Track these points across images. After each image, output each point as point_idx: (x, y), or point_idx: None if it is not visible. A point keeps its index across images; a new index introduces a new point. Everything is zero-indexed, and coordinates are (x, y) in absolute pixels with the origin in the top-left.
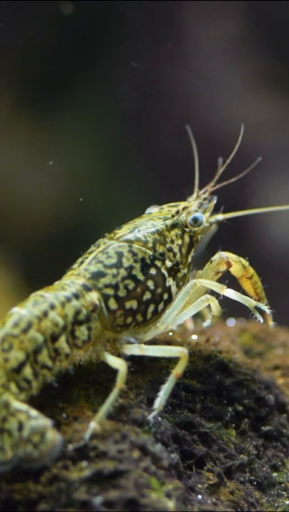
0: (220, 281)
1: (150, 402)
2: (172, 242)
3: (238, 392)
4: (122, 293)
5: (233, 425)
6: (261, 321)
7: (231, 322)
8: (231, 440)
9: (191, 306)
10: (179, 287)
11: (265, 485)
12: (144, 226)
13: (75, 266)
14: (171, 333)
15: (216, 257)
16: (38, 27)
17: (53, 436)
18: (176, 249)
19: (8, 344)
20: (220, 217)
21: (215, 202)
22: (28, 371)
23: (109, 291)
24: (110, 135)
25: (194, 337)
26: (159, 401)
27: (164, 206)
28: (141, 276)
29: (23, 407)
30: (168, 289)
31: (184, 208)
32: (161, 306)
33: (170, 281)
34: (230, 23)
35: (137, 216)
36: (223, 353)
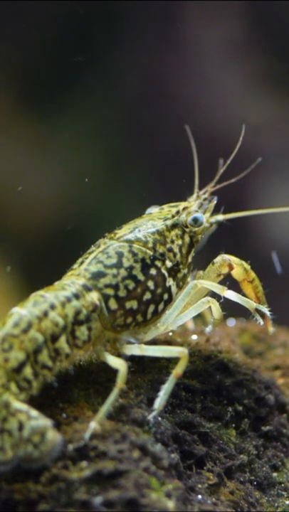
0: (221, 283)
1: (150, 402)
2: (172, 242)
3: (238, 392)
4: (122, 293)
5: (233, 425)
6: (261, 323)
7: (231, 322)
8: (231, 440)
9: (192, 308)
10: (179, 287)
11: (265, 485)
12: (144, 226)
13: (75, 266)
14: (171, 334)
15: (218, 259)
16: (38, 27)
17: (53, 436)
18: (176, 250)
19: (8, 344)
20: (220, 217)
21: (215, 202)
22: (28, 371)
23: (110, 292)
24: (111, 135)
25: (194, 337)
26: (159, 401)
27: (164, 206)
28: (141, 277)
29: (24, 407)
30: (168, 289)
31: (184, 208)
32: (161, 306)
33: (170, 282)
34: (230, 23)
35: (137, 216)
36: (223, 353)
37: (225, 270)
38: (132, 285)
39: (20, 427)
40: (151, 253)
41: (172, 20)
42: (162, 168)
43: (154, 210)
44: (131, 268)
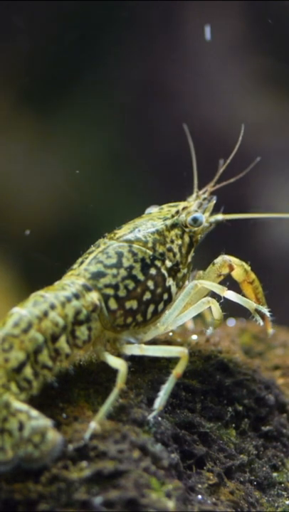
0: (221, 284)
1: (150, 402)
2: (172, 242)
3: (238, 392)
4: (122, 293)
5: (233, 425)
6: (261, 323)
7: (231, 322)
8: (231, 440)
9: (192, 308)
10: (178, 287)
11: (265, 485)
12: (144, 226)
13: (75, 266)
14: (171, 333)
15: (219, 259)
16: (38, 27)
17: (54, 436)
18: (176, 249)
19: (8, 344)
20: (220, 217)
21: (214, 202)
22: (28, 371)
23: (110, 291)
24: (110, 135)
25: (194, 337)
26: (159, 401)
27: (164, 206)
28: (141, 277)
29: (24, 407)
30: (168, 289)
31: (184, 208)
32: (161, 306)
33: (170, 282)
34: (231, 23)
35: (137, 216)
36: (223, 353)
37: (225, 271)
38: (131, 285)
39: (21, 427)
40: (150, 253)
41: (172, 20)
42: (162, 168)
43: (153, 209)
44: (131, 268)
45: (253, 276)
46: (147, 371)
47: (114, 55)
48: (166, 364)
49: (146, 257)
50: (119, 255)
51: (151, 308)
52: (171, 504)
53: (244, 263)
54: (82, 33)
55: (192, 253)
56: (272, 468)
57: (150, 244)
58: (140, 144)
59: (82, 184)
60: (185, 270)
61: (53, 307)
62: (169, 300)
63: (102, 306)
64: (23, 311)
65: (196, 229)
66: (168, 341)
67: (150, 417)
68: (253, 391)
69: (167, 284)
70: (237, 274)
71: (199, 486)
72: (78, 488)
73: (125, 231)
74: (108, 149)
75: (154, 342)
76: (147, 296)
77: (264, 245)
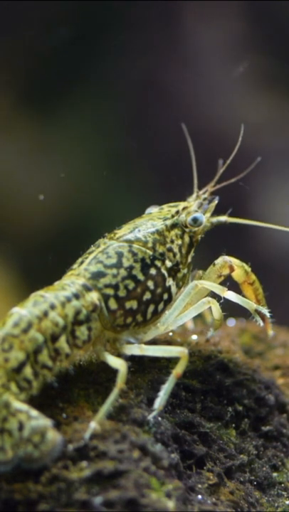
0: (221, 285)
1: (150, 402)
2: (172, 242)
3: (238, 392)
4: (122, 293)
5: (233, 425)
6: (261, 324)
7: (231, 322)
8: (231, 440)
9: (192, 308)
10: (178, 287)
11: (265, 485)
12: (144, 226)
13: (75, 266)
14: (171, 333)
15: (219, 260)
16: (38, 27)
17: (54, 436)
18: (176, 250)
19: (8, 344)
20: (223, 218)
21: (216, 202)
22: (28, 371)
23: (110, 291)
24: (110, 135)
25: (194, 337)
26: (159, 401)
27: (164, 206)
28: (141, 277)
29: (24, 407)
30: (168, 289)
31: (184, 208)
32: (161, 306)
33: (170, 282)
34: (230, 23)
35: (137, 216)
36: (223, 353)
37: (226, 271)
38: (131, 285)
39: (21, 426)
40: (150, 253)
41: (172, 20)
42: (162, 168)
43: (153, 209)
44: (131, 268)
45: (253, 277)
46: (147, 371)
47: (114, 55)
48: (166, 364)
49: (147, 257)
50: (119, 255)
51: (151, 308)
52: (171, 504)
53: (244, 264)
54: (82, 33)
55: (192, 253)
56: (272, 468)
57: (150, 245)
58: (140, 143)
59: (82, 184)
60: (185, 270)
61: (53, 307)
62: (169, 300)
63: (102, 306)
64: (23, 311)
65: (196, 229)
66: (168, 341)
67: (150, 417)
68: (253, 391)
69: (167, 284)
70: (237, 275)
71: (199, 486)
72: (78, 488)
73: (125, 231)
74: (108, 149)
75: (154, 342)
76: (147, 296)
77: (264, 246)
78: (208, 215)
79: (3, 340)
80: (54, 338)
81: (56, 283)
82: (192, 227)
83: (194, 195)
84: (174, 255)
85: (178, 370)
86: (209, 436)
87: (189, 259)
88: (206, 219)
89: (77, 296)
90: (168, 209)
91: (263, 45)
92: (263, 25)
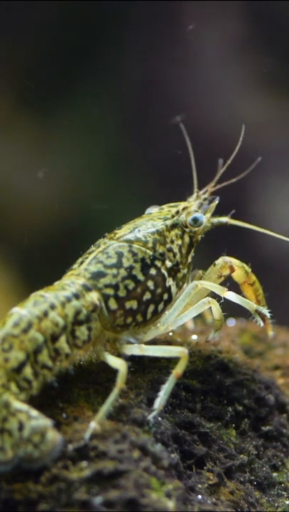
0: (221, 285)
1: (150, 402)
2: (172, 242)
3: (238, 392)
4: (122, 293)
5: (233, 425)
6: (262, 324)
7: (231, 322)
8: (231, 440)
9: (192, 308)
10: (178, 287)
11: (265, 485)
12: (144, 226)
13: (75, 266)
14: (171, 333)
15: (220, 260)
16: (38, 27)
17: (54, 436)
18: (176, 250)
19: (8, 344)
20: (224, 219)
21: (217, 202)
22: (28, 371)
23: (110, 291)
24: (110, 135)
25: (194, 337)
26: (159, 401)
27: (164, 206)
28: (141, 277)
29: (24, 407)
30: (168, 289)
31: (184, 208)
32: (161, 306)
33: (170, 282)
34: (230, 23)
35: (137, 216)
36: (223, 353)
37: (226, 272)
38: (131, 285)
39: (21, 426)
40: (151, 253)
41: (172, 20)
42: (162, 168)
43: (153, 210)
44: (131, 268)
45: (253, 278)
46: (147, 371)
47: (114, 55)
48: (166, 364)
49: (147, 257)
50: (119, 255)
51: (151, 308)
52: (171, 504)
53: (245, 265)
54: (82, 32)
55: (192, 253)
56: (272, 468)
57: (150, 245)
58: (140, 143)
59: (82, 184)
60: (185, 270)
61: (52, 307)
62: (169, 300)
63: (102, 306)
64: (23, 311)
65: (196, 229)
66: (168, 341)
67: (150, 417)
68: (253, 391)
69: (167, 284)
70: (238, 275)
71: (199, 486)
72: (78, 488)
73: (125, 231)
74: (108, 149)
75: (154, 342)
76: (147, 296)
77: (264, 245)
78: (208, 215)
79: (3, 340)
80: (54, 338)
81: (56, 283)
82: (192, 228)
83: (194, 195)
84: (174, 255)
85: (178, 370)
86: (209, 436)
87: (189, 260)
88: (206, 219)
89: (77, 296)
90: (168, 209)
91: (263, 45)
92: (263, 25)
